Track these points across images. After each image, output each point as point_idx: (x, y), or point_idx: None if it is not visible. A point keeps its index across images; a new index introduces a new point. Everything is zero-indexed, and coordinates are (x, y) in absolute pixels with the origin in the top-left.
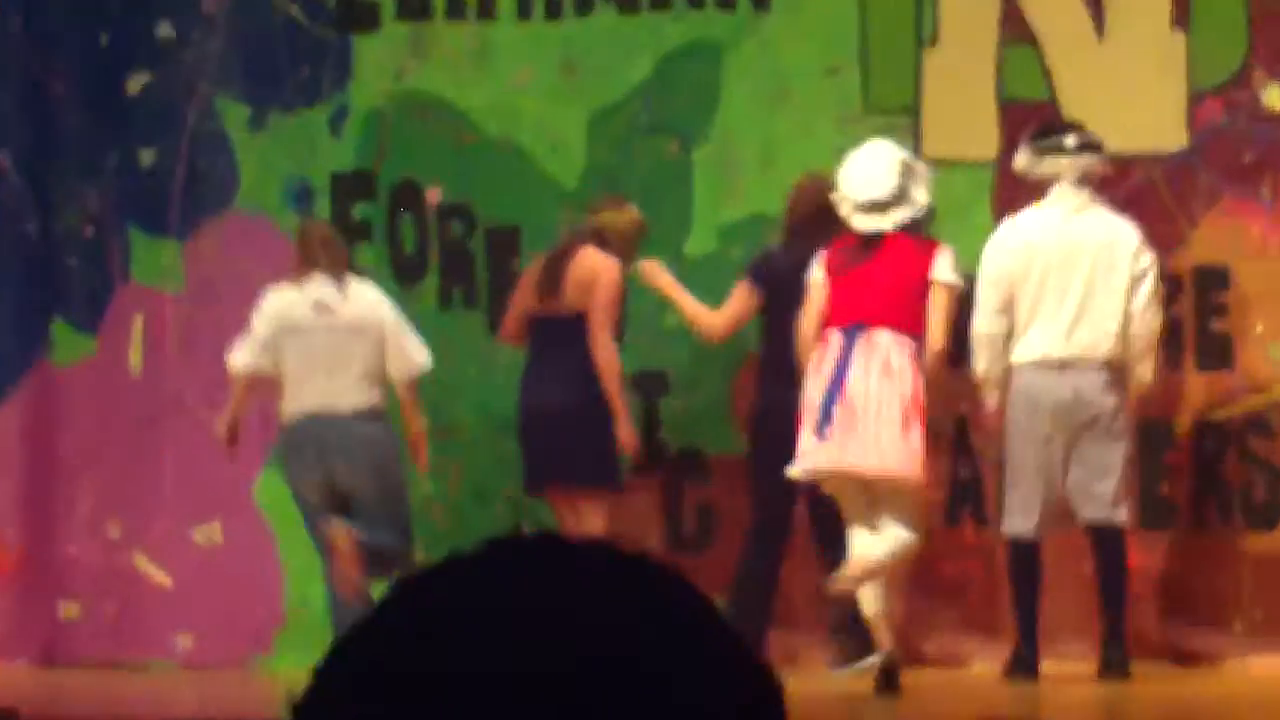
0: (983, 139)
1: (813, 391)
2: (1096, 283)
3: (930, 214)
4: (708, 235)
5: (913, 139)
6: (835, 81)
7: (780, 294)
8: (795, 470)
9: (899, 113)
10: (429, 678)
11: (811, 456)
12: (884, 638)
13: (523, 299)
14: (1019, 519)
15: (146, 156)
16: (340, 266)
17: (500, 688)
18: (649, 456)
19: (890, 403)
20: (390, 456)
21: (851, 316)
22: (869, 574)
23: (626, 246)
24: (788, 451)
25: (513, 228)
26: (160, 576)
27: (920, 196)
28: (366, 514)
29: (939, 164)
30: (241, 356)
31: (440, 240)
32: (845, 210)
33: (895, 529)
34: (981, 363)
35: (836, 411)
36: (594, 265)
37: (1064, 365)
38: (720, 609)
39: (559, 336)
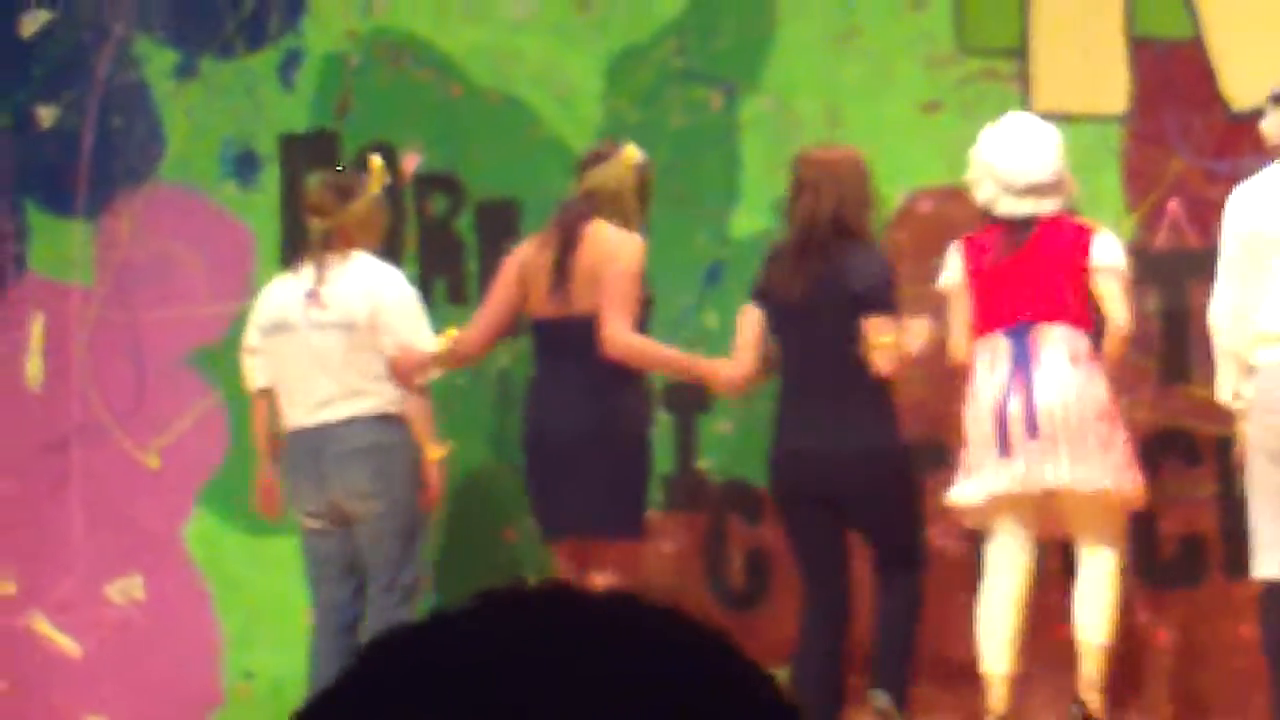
0: (1108, 88)
1: (982, 407)
2: None
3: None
4: (759, 210)
5: (1019, 88)
6: (919, 16)
7: (793, 311)
8: (971, 497)
9: (1001, 55)
10: None
11: (993, 479)
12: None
13: (503, 297)
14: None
15: (47, 116)
16: (334, 241)
17: None
18: (685, 490)
19: (1090, 406)
20: (401, 467)
21: (1014, 315)
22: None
23: (629, 207)
24: (814, 489)
25: (510, 202)
26: (67, 644)
27: (1071, 182)
28: (371, 542)
29: (1053, 119)
30: (246, 374)
31: (419, 218)
32: (987, 193)
33: (1103, 554)
34: (1221, 365)
35: (1022, 425)
36: (605, 248)
37: None
38: (777, 681)
39: (570, 346)
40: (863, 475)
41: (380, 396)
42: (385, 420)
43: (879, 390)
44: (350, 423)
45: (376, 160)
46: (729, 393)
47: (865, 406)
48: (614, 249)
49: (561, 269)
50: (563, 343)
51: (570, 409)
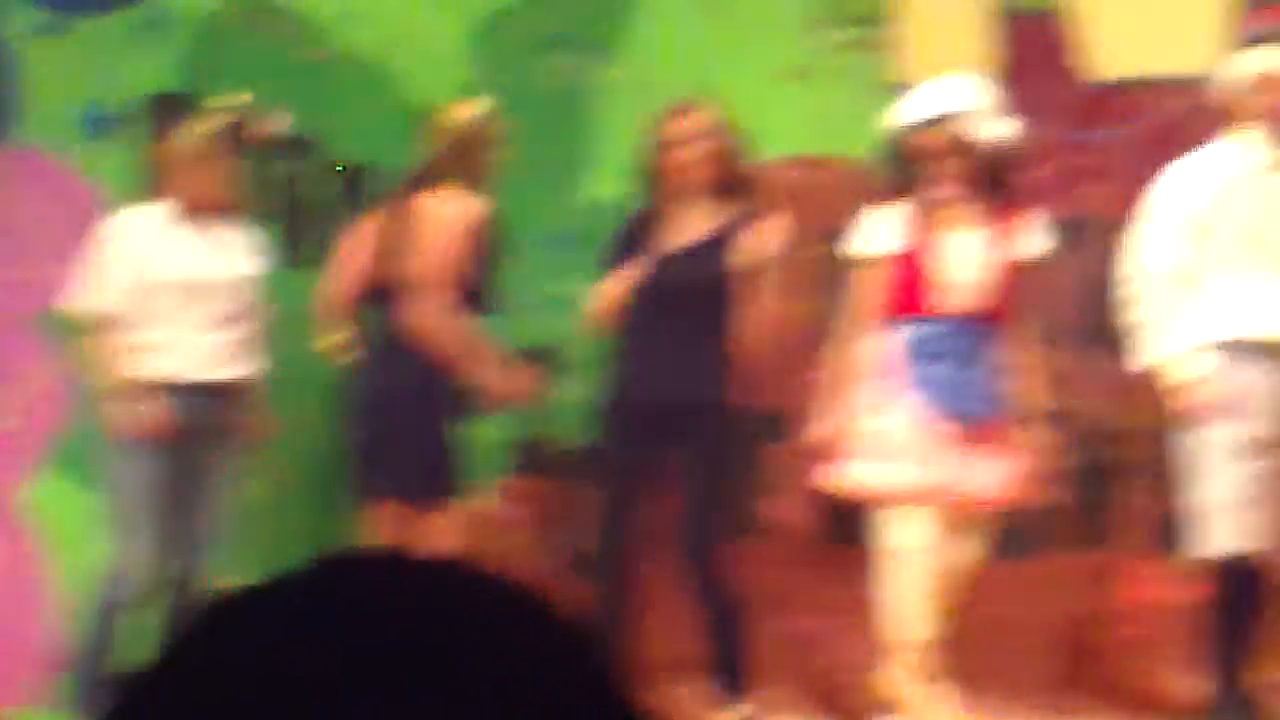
0: (973, 58)
1: (878, 399)
2: None
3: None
4: (621, 176)
5: (885, 57)
6: None
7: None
8: (877, 485)
9: (868, 23)
10: (241, 713)
11: (887, 474)
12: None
13: (352, 264)
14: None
15: None
16: (198, 202)
17: None
18: (537, 456)
19: (995, 412)
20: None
21: (931, 304)
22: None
23: (463, 168)
24: (640, 445)
25: (372, 167)
26: None
27: (1006, 128)
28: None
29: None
30: (86, 296)
31: (280, 180)
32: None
33: (966, 549)
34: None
35: (924, 424)
36: (432, 218)
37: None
38: (602, 647)
39: (388, 311)
40: (690, 430)
41: (215, 358)
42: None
43: (715, 351)
44: (183, 385)
45: (218, 111)
46: (502, 402)
47: (699, 365)
48: (439, 220)
49: (390, 237)
50: (385, 308)
51: (378, 372)
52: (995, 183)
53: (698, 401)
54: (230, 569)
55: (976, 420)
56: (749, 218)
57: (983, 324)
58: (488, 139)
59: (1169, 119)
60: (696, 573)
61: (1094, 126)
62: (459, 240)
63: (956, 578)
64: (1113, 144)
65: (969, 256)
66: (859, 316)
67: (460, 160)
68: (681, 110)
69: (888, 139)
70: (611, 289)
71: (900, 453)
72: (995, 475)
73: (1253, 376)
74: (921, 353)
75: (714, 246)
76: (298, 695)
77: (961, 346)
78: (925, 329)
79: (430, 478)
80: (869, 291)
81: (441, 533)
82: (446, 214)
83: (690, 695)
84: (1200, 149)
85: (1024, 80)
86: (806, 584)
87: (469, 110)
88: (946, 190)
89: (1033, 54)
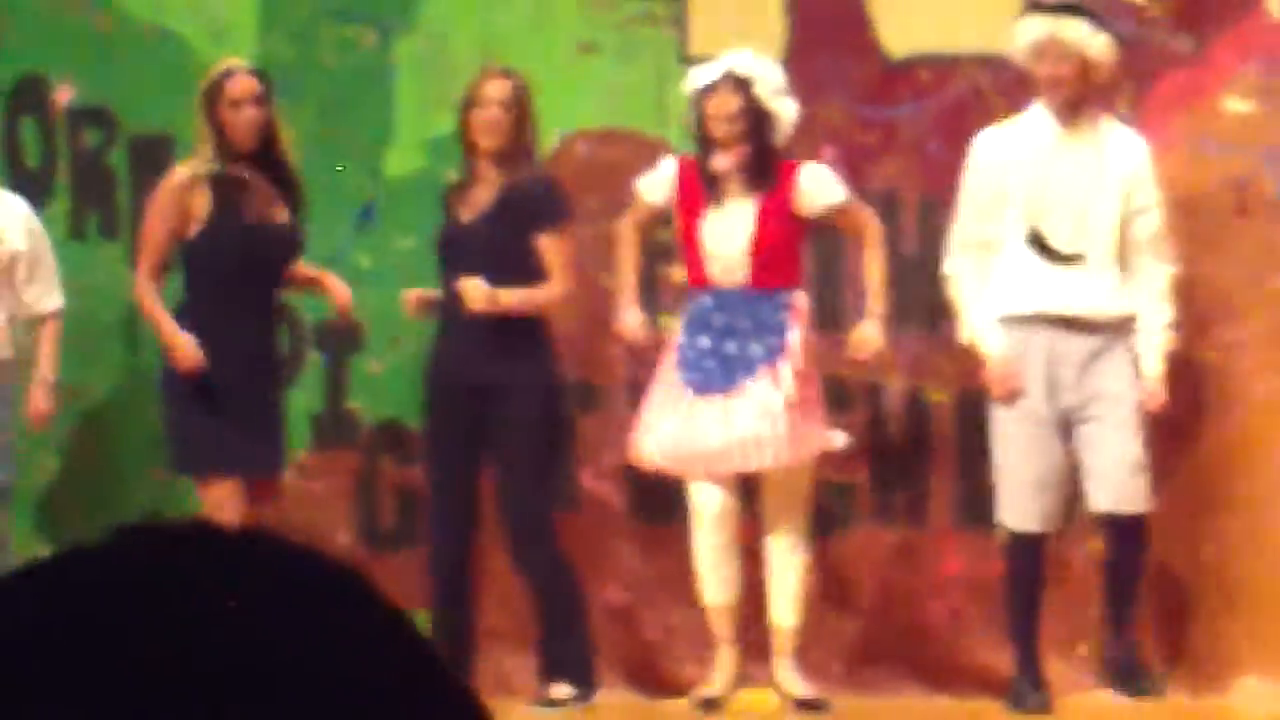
0: (765, 33)
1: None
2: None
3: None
4: (412, 150)
5: (676, 32)
6: None
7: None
8: (650, 456)
9: None
10: (34, 695)
11: (675, 441)
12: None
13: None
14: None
15: None
16: None
17: (122, 706)
18: (335, 430)
19: (780, 375)
20: None
21: (715, 273)
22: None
23: (216, 124)
24: (464, 420)
25: (163, 137)
26: None
27: (789, 108)
28: None
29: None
30: None
31: (71, 152)
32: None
33: (791, 538)
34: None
35: (685, 398)
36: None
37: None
38: (417, 623)
39: None
40: (511, 408)
41: None
42: None
43: (536, 323)
44: None
45: None
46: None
47: (521, 338)
48: (159, 187)
49: None
50: None
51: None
52: (768, 157)
53: (512, 374)
54: (27, 542)
55: (732, 392)
56: (532, 187)
57: (755, 293)
58: (229, 98)
59: (965, 95)
60: (523, 546)
61: (885, 104)
62: (163, 206)
63: (775, 548)
64: (909, 120)
65: (739, 229)
66: (624, 233)
67: (204, 121)
68: (490, 74)
69: (687, 108)
70: (416, 297)
71: (663, 425)
72: (761, 442)
73: (1039, 350)
74: (691, 325)
75: (498, 217)
76: (95, 670)
77: (727, 318)
78: (701, 301)
79: (176, 449)
80: (631, 221)
81: (220, 505)
82: (164, 182)
83: (519, 670)
84: (1003, 123)
85: (815, 56)
86: (621, 557)
87: (212, 70)
88: (727, 159)
89: (824, 29)
